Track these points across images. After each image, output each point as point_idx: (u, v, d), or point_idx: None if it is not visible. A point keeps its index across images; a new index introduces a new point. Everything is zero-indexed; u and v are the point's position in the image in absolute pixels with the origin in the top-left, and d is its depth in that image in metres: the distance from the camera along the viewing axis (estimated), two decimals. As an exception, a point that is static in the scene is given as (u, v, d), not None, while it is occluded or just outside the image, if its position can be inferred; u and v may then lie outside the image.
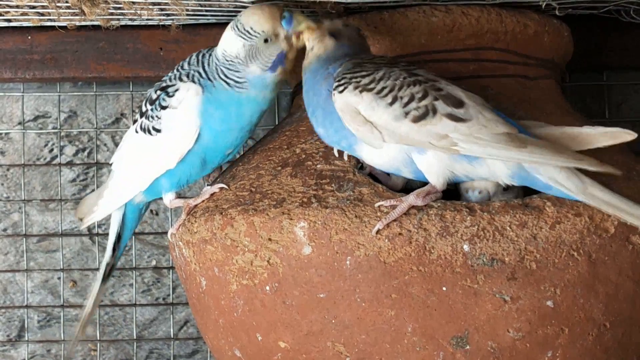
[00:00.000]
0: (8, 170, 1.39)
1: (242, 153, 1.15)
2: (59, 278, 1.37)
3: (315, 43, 0.98)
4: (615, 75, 1.39)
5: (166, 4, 1.15)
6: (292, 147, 1.01)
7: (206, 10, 1.20)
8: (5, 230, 1.38)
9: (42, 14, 1.22)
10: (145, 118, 1.05)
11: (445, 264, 0.88)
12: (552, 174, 0.89)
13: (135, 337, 1.37)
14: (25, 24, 1.27)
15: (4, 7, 1.19)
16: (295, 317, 0.93)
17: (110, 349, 1.38)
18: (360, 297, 0.90)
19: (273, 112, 1.37)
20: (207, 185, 1.06)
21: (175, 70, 1.05)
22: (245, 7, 1.17)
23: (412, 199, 0.90)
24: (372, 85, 0.91)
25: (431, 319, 0.89)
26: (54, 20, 1.24)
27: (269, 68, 1.01)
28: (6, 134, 1.39)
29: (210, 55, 1.03)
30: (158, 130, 1.03)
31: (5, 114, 1.39)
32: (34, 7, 1.19)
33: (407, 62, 0.96)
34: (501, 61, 1.05)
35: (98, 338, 1.37)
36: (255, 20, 1.00)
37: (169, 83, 1.04)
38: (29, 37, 1.30)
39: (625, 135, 0.89)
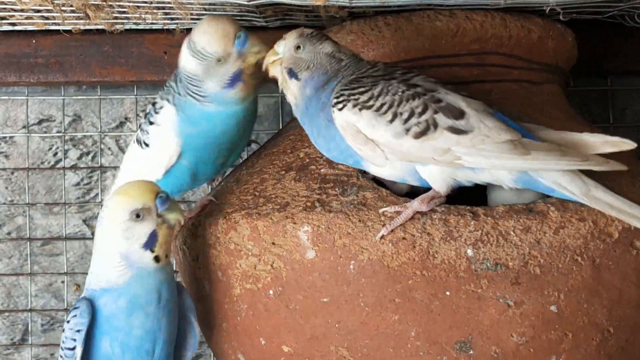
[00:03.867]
0: (12, 173, 1.39)
1: (245, 157, 1.15)
2: (62, 282, 1.37)
3: (285, 92, 0.97)
4: (619, 80, 1.39)
5: (170, 8, 1.15)
6: (295, 151, 1.01)
7: (210, 14, 1.20)
8: (9, 233, 1.38)
9: (47, 18, 1.22)
10: (140, 130, 1.06)
11: (449, 268, 0.88)
12: (555, 178, 0.89)
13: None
14: (29, 27, 1.27)
15: (9, 11, 1.19)
16: (299, 321, 0.93)
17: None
18: (363, 302, 0.90)
19: (277, 117, 1.37)
20: (210, 190, 1.06)
21: (165, 85, 1.06)
22: (250, 12, 1.17)
23: (416, 204, 0.89)
24: (371, 102, 0.90)
25: (435, 324, 0.89)
26: (58, 24, 1.24)
27: (227, 85, 1.00)
28: (10, 137, 1.39)
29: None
30: (147, 145, 1.05)
31: (9, 117, 1.39)
32: (38, 11, 1.19)
33: (403, 70, 0.95)
34: (505, 66, 1.05)
35: (101, 342, 1.37)
36: (206, 41, 0.99)
37: (157, 99, 1.05)
38: (34, 41, 1.30)
39: (624, 145, 0.89)
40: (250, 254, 0.94)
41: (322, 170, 0.97)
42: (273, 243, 0.93)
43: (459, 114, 0.89)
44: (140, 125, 1.07)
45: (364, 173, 0.96)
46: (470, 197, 0.95)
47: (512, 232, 0.88)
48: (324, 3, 1.06)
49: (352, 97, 0.91)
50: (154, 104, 1.05)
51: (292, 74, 0.95)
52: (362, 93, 0.91)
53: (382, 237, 0.89)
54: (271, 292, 0.94)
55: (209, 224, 0.98)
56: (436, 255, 0.88)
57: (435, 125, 0.88)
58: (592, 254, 0.89)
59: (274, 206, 0.94)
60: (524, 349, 0.90)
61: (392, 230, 0.89)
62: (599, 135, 0.90)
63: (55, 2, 1.13)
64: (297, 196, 0.94)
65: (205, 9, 1.16)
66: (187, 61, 1.01)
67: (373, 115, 0.90)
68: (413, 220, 0.89)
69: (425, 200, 0.90)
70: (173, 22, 1.22)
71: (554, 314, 0.89)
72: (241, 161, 1.13)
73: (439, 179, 0.90)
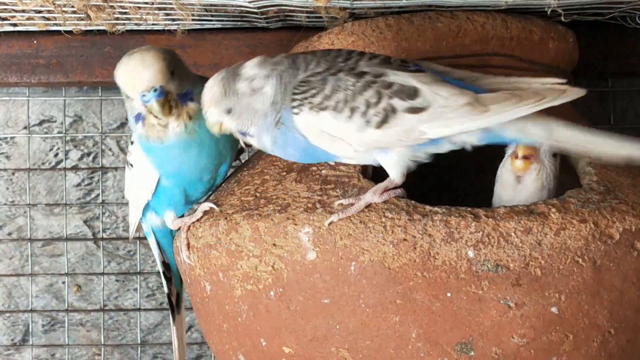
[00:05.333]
0: (13, 174, 1.39)
1: (246, 159, 1.15)
2: (63, 282, 1.38)
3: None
4: (620, 81, 1.39)
5: (172, 9, 1.15)
6: (297, 152, 1.01)
7: (212, 15, 1.20)
8: (10, 234, 1.38)
9: (48, 19, 1.22)
10: (128, 152, 1.07)
11: (450, 270, 0.88)
12: (518, 127, 0.89)
13: (139, 342, 1.37)
14: (31, 28, 1.27)
15: (10, 12, 1.19)
16: (300, 322, 0.93)
17: (114, 354, 1.38)
18: (364, 303, 0.90)
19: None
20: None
21: None
22: (251, 13, 1.17)
23: (369, 196, 0.90)
24: (325, 103, 0.89)
25: (435, 325, 0.89)
26: (59, 25, 1.24)
27: (134, 119, 1.00)
28: (11, 138, 1.39)
29: None
30: (131, 165, 1.05)
31: (10, 118, 1.39)
32: (39, 12, 1.20)
33: (344, 55, 0.92)
34: (506, 67, 1.05)
35: (102, 342, 1.37)
36: (121, 75, 0.98)
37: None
38: (35, 42, 1.30)
39: (573, 92, 0.88)
40: (251, 255, 0.94)
41: (323, 171, 0.97)
42: (274, 244, 0.93)
43: (413, 93, 0.88)
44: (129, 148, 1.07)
45: (365, 174, 0.96)
46: (471, 198, 0.95)
47: (513, 234, 0.88)
48: (325, 4, 1.06)
49: (305, 101, 0.90)
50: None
51: (243, 134, 0.94)
52: (314, 95, 0.90)
53: (331, 223, 0.90)
54: (272, 293, 0.94)
55: (210, 225, 0.98)
56: (437, 257, 0.88)
57: (394, 111, 0.88)
58: (593, 256, 0.89)
59: (275, 207, 0.94)
60: (525, 350, 0.90)
61: (340, 219, 0.90)
62: (547, 81, 0.89)
63: (57, 2, 1.13)
64: (298, 197, 0.94)
65: (206, 10, 1.16)
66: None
67: (330, 114, 0.89)
68: (414, 222, 0.89)
69: (378, 191, 0.90)
70: (174, 23, 1.22)
71: (555, 315, 0.89)
72: (242, 162, 1.13)
73: (396, 165, 0.91)
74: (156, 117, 0.98)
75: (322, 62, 0.92)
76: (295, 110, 0.90)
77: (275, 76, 0.92)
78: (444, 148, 0.91)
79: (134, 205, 1.08)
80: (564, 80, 0.89)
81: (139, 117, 0.99)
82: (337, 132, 0.90)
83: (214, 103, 0.93)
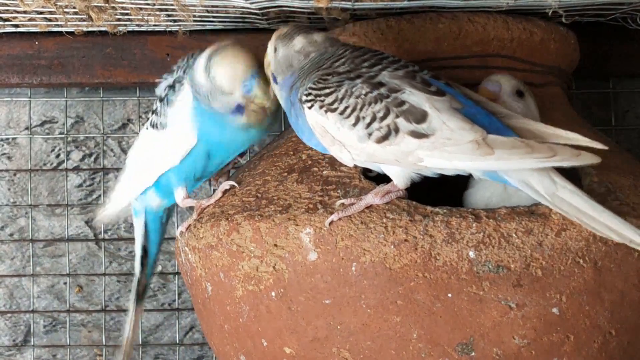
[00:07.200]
0: (15, 175, 1.39)
1: (248, 159, 1.15)
2: (65, 283, 1.38)
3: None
4: (621, 82, 1.39)
5: (173, 10, 1.15)
6: (298, 153, 1.01)
7: (213, 17, 1.20)
8: (11, 235, 1.38)
9: (50, 20, 1.23)
10: (155, 114, 1.06)
11: (451, 270, 0.88)
12: (521, 176, 0.88)
13: (140, 343, 1.37)
14: (32, 29, 1.27)
15: (12, 13, 1.19)
16: (301, 323, 0.93)
17: (115, 354, 1.38)
18: (365, 304, 0.90)
19: (279, 119, 1.37)
20: (215, 189, 1.06)
21: (181, 63, 1.06)
22: (253, 14, 1.17)
23: (370, 197, 0.91)
24: (335, 105, 0.90)
25: (436, 326, 0.89)
26: (61, 26, 1.25)
27: (229, 112, 1.01)
28: (13, 139, 1.39)
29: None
30: (164, 126, 1.04)
31: (12, 119, 1.39)
32: (41, 13, 1.20)
33: (371, 60, 0.93)
34: (507, 68, 1.05)
35: (104, 343, 1.37)
36: (221, 73, 0.99)
37: (175, 78, 1.05)
38: (36, 43, 1.31)
39: (587, 157, 0.85)
40: (252, 255, 0.94)
41: (324, 172, 0.97)
42: (275, 245, 0.93)
43: (421, 117, 0.88)
44: (154, 110, 1.06)
45: (366, 175, 0.96)
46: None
47: (514, 235, 0.88)
48: (326, 5, 1.06)
49: (318, 98, 0.91)
50: (172, 85, 1.05)
51: (273, 77, 0.98)
52: (327, 95, 0.91)
53: (331, 222, 0.90)
54: (273, 293, 0.94)
55: (211, 226, 0.98)
56: (438, 257, 0.88)
57: (397, 130, 0.88)
58: (593, 256, 0.89)
59: (276, 208, 0.94)
60: (526, 351, 0.90)
61: (340, 218, 0.90)
62: (570, 134, 0.88)
63: (58, 3, 1.13)
64: (300, 198, 0.94)
65: (207, 11, 1.16)
66: (199, 74, 1.01)
67: (337, 118, 0.90)
68: (415, 222, 0.89)
69: (379, 193, 0.91)
70: (175, 24, 1.22)
71: (556, 316, 0.89)
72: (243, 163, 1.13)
73: (400, 175, 0.91)
74: (257, 103, 1.00)
75: (348, 63, 0.93)
76: (308, 105, 0.92)
77: (320, 52, 0.95)
78: (449, 172, 0.90)
79: (146, 171, 1.07)
80: (591, 144, 0.87)
81: (238, 109, 1.00)
82: (340, 136, 0.91)
83: (272, 39, 0.98)
